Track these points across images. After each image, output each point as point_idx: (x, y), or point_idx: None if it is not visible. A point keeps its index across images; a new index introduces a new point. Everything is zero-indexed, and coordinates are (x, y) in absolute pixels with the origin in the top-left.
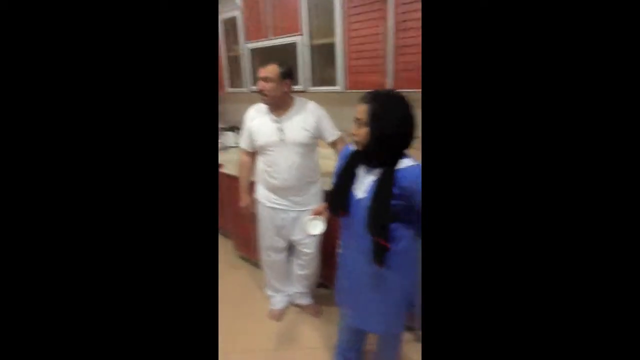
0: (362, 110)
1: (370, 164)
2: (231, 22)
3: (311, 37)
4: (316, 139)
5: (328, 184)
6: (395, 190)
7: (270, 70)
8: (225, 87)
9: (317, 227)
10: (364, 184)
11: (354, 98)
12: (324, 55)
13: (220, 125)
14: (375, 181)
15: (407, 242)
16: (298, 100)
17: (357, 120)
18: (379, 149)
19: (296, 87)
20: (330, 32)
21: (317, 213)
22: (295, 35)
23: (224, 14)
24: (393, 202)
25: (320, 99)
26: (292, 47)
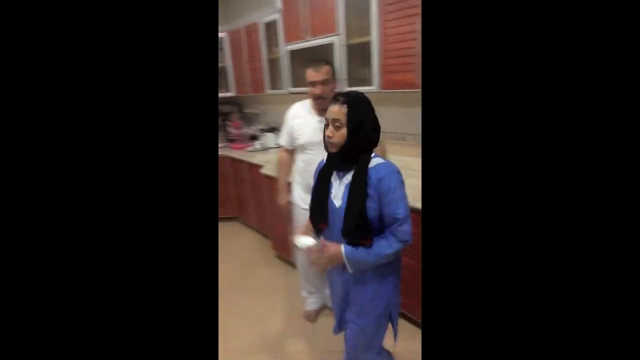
0: (339, 111)
1: (344, 167)
2: (272, 25)
3: (348, 36)
4: None
5: None
6: (370, 190)
7: (326, 71)
8: (265, 89)
9: (307, 240)
10: (340, 190)
11: (389, 98)
12: (359, 54)
13: (260, 127)
14: (349, 182)
15: None
16: None
17: (334, 121)
18: (355, 148)
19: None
20: (366, 30)
21: (304, 233)
22: (332, 36)
23: (264, 18)
24: (368, 203)
25: None
26: (329, 47)
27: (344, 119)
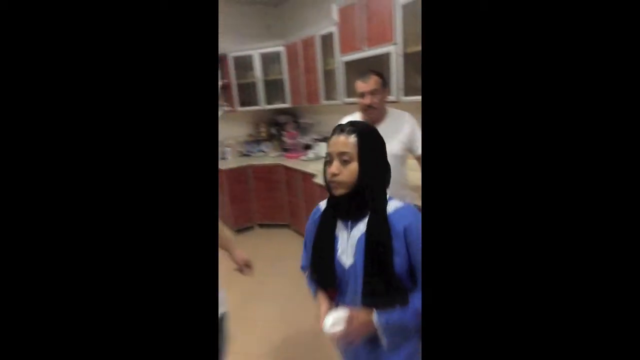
0: (347, 143)
1: (353, 215)
2: (328, 38)
3: (405, 45)
4: (408, 150)
5: (418, 198)
6: (396, 244)
7: (374, 82)
8: (321, 100)
9: (336, 322)
10: (351, 245)
11: None
12: (417, 63)
13: (315, 136)
14: (363, 234)
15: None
16: (391, 110)
17: (341, 155)
18: (370, 188)
19: (389, 97)
20: None
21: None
22: (389, 45)
23: (321, 31)
24: (395, 260)
25: (412, 109)
26: (385, 57)
27: (353, 151)
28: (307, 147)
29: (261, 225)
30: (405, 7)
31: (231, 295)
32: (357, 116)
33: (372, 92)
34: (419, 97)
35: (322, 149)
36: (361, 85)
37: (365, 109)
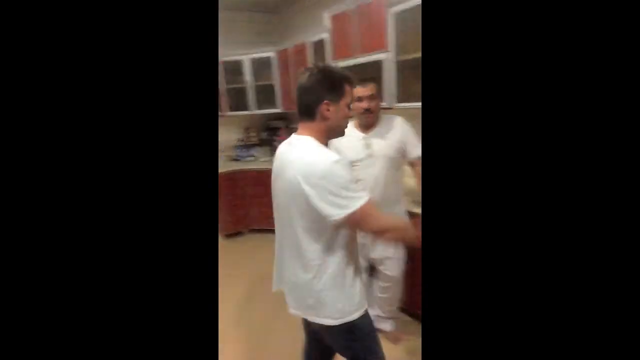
0: (371, 87)
1: None
2: (320, 44)
3: (398, 53)
4: (401, 153)
5: (410, 203)
6: None
7: (372, 88)
8: None
9: None
10: None
11: None
12: (410, 70)
13: None
14: None
15: None
16: (385, 116)
17: (370, 96)
18: None
19: (381, 104)
20: (417, 47)
21: None
22: (381, 52)
23: (313, 37)
24: None
25: (405, 115)
26: (378, 64)
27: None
28: None
29: (252, 230)
30: (398, 14)
31: (226, 298)
32: (351, 123)
33: (370, 97)
34: (412, 104)
35: None
36: (360, 90)
37: (363, 112)
